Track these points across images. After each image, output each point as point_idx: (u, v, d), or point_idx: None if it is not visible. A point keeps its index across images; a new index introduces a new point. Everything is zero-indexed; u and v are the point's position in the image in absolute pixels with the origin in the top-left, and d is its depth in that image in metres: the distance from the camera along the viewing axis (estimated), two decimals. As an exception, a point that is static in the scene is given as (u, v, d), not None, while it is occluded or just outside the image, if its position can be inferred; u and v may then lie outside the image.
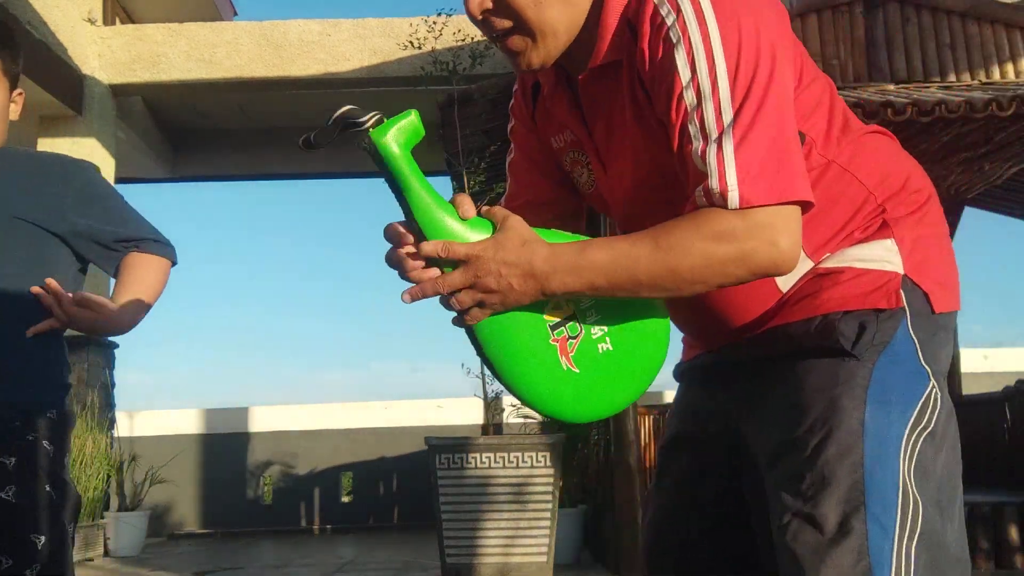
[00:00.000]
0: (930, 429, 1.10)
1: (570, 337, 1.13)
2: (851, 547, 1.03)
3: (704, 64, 1.04)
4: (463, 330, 1.12)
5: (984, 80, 5.65)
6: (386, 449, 9.28)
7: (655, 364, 1.16)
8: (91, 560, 6.93)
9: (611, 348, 1.13)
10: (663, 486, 1.37)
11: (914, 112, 4.83)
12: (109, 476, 7.33)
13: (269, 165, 10.38)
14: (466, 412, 8.46)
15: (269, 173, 10.62)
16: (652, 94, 1.11)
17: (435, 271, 1.06)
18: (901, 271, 1.15)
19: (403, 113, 1.05)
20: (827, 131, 1.17)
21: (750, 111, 1.02)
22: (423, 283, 1.06)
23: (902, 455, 1.07)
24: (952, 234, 7.91)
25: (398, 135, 1.04)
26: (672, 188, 1.12)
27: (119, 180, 8.56)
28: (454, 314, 1.10)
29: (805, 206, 1.04)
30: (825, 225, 1.16)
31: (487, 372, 1.11)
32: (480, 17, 1.13)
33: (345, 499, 9.36)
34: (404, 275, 1.08)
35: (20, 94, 1.85)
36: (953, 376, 7.86)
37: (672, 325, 1.20)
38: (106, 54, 8.11)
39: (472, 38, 7.33)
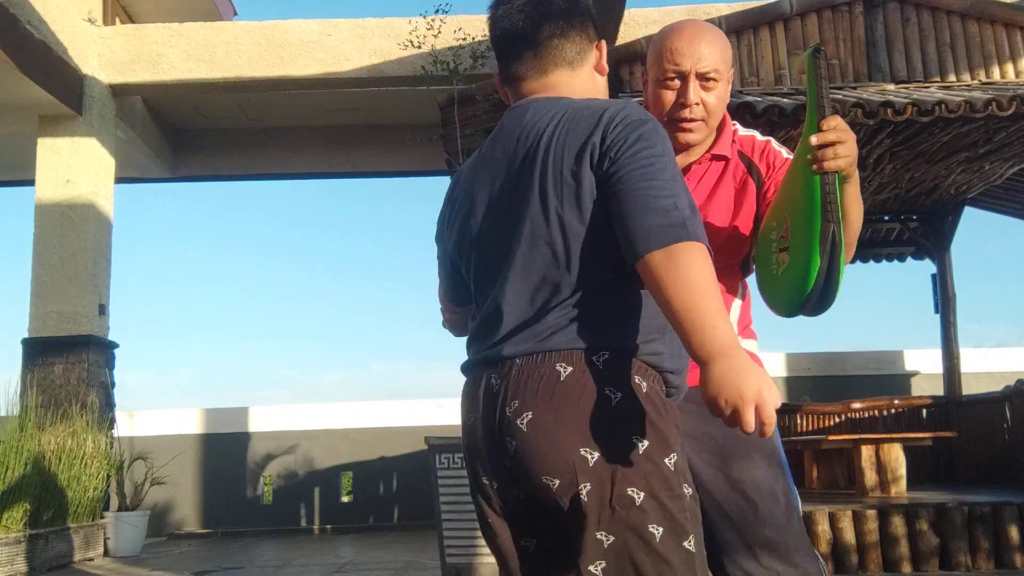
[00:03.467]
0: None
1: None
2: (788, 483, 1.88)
3: None
4: (830, 245, 1.63)
5: (984, 80, 5.65)
6: (386, 449, 9.27)
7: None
8: (91, 560, 6.93)
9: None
10: None
11: (914, 112, 4.83)
12: (109, 476, 7.32)
13: (269, 165, 10.38)
14: (466, 412, 8.45)
15: (269, 173, 10.62)
16: (768, 175, 1.93)
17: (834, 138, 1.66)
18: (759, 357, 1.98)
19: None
20: None
21: None
22: (838, 143, 1.64)
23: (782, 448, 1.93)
24: (951, 234, 7.93)
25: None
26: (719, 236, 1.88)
27: (119, 180, 8.56)
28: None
29: None
30: (747, 318, 2.01)
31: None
32: (694, 103, 1.85)
33: (345, 499, 9.36)
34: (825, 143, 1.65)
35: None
36: (953, 376, 7.87)
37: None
38: (106, 54, 8.11)
39: (473, 37, 7.31)
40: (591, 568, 1.36)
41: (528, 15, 1.56)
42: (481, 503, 1.52)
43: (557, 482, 1.37)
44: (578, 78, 1.58)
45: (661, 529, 1.35)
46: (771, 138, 2.02)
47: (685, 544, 1.36)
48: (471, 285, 1.60)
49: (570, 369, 1.38)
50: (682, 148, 1.90)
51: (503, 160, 1.52)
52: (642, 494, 1.34)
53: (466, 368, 1.54)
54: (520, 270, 1.45)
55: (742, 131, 2.01)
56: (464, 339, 1.62)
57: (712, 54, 1.84)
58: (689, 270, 1.29)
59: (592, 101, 1.50)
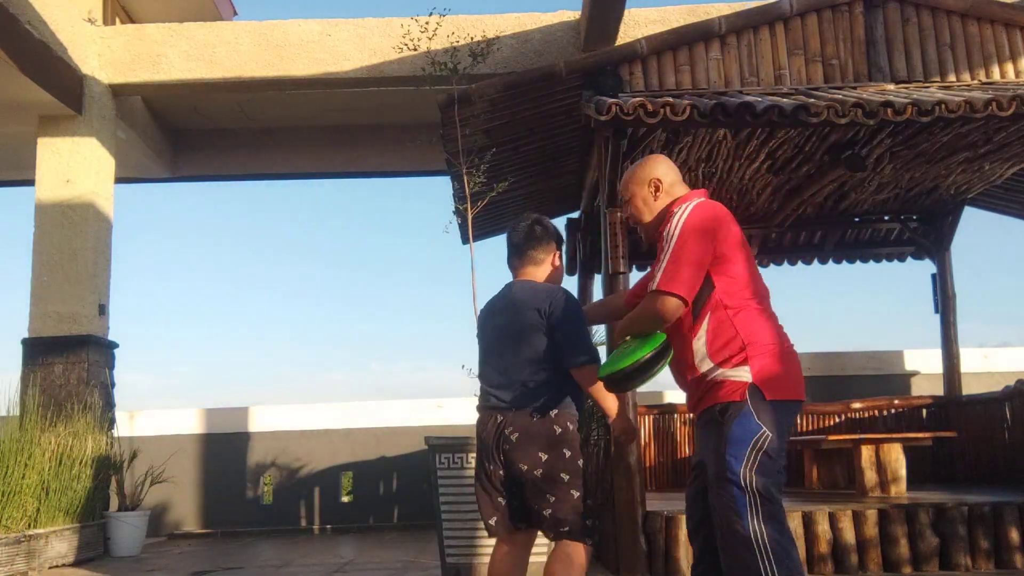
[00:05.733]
0: (764, 449, 2.53)
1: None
2: (730, 493, 2.53)
3: (673, 241, 2.62)
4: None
5: (984, 80, 5.65)
6: (386, 449, 9.28)
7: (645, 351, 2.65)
8: (91, 560, 6.93)
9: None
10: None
11: (914, 112, 4.82)
12: (109, 476, 7.32)
13: (269, 165, 10.37)
14: (466, 412, 8.46)
15: (269, 173, 10.61)
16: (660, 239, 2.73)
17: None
18: (750, 381, 2.56)
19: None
20: (732, 293, 2.63)
21: (676, 262, 2.60)
22: None
23: (745, 463, 2.52)
24: (951, 234, 7.93)
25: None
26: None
27: (119, 180, 8.56)
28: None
29: (683, 300, 2.57)
30: (724, 351, 2.60)
31: None
32: (627, 215, 2.93)
33: (345, 499, 9.36)
34: None
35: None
36: (953, 376, 7.87)
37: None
38: (106, 54, 8.11)
39: (471, 37, 7.31)
40: (544, 512, 2.93)
41: (523, 236, 3.18)
42: (480, 479, 3.05)
43: (526, 467, 2.93)
44: (541, 270, 3.19)
45: (577, 493, 2.96)
46: (677, 211, 2.70)
47: (588, 501, 3.00)
48: (484, 366, 3.18)
49: (537, 417, 2.96)
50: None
51: (502, 309, 3.16)
52: (568, 476, 2.95)
53: (485, 406, 3.09)
54: (507, 362, 3.06)
55: (685, 207, 2.72)
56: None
57: (624, 186, 2.92)
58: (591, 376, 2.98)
59: (547, 285, 3.15)
